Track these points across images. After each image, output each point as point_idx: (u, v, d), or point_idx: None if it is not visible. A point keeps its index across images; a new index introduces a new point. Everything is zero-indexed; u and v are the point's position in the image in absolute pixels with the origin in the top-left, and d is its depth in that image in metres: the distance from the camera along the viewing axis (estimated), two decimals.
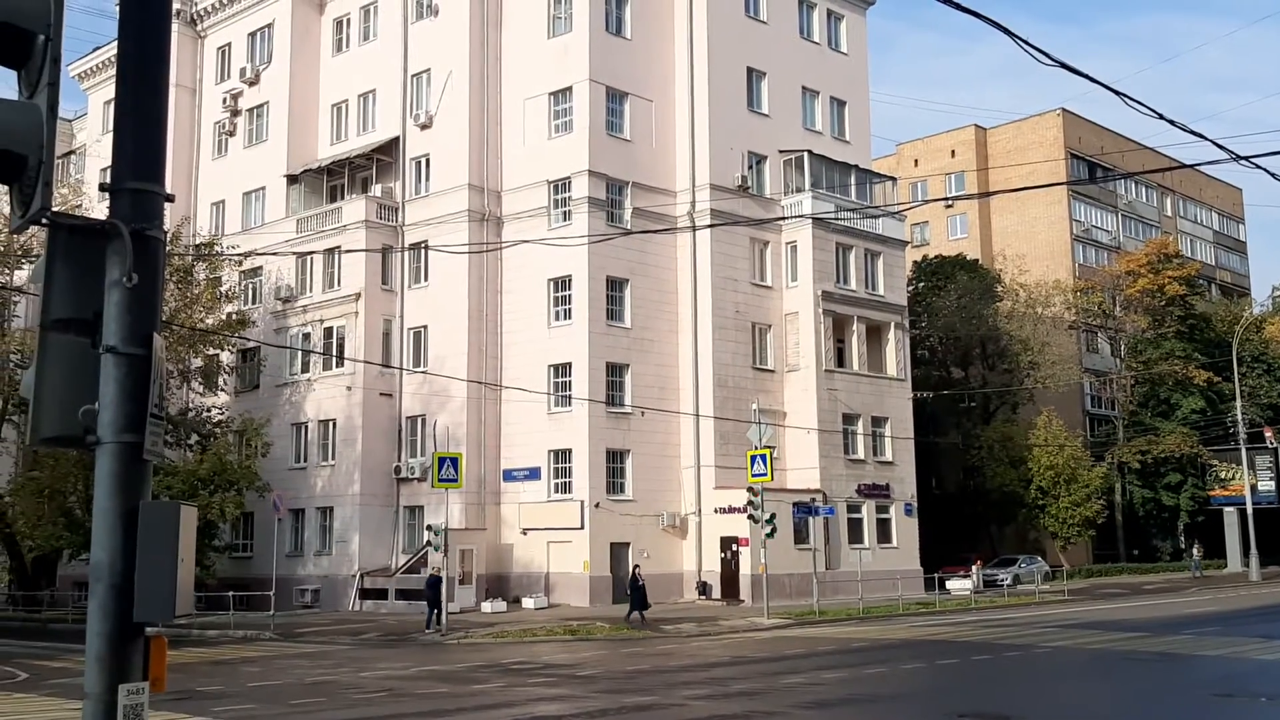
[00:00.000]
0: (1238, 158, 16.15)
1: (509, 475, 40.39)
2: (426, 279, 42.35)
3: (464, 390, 39.09)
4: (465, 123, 41.66)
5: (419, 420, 41.65)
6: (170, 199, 5.49)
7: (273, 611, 31.03)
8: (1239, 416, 53.37)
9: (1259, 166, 15.81)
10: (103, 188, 5.47)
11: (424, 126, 42.97)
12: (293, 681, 19.41)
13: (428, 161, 43.10)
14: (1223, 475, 58.64)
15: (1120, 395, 63.08)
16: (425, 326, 41.95)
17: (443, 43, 42.78)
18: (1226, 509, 58.09)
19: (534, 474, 39.56)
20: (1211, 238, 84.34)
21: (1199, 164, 26.41)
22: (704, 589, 39.18)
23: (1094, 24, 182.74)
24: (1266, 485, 57.11)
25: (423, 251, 41.75)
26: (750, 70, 43.58)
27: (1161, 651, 21.23)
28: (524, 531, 39.51)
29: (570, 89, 40.27)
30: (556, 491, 39.14)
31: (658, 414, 39.40)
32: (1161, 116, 14.79)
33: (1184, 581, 49.58)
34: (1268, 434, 56.26)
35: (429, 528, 34.94)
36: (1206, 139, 15.98)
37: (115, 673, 4.99)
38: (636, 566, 31.85)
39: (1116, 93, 14.32)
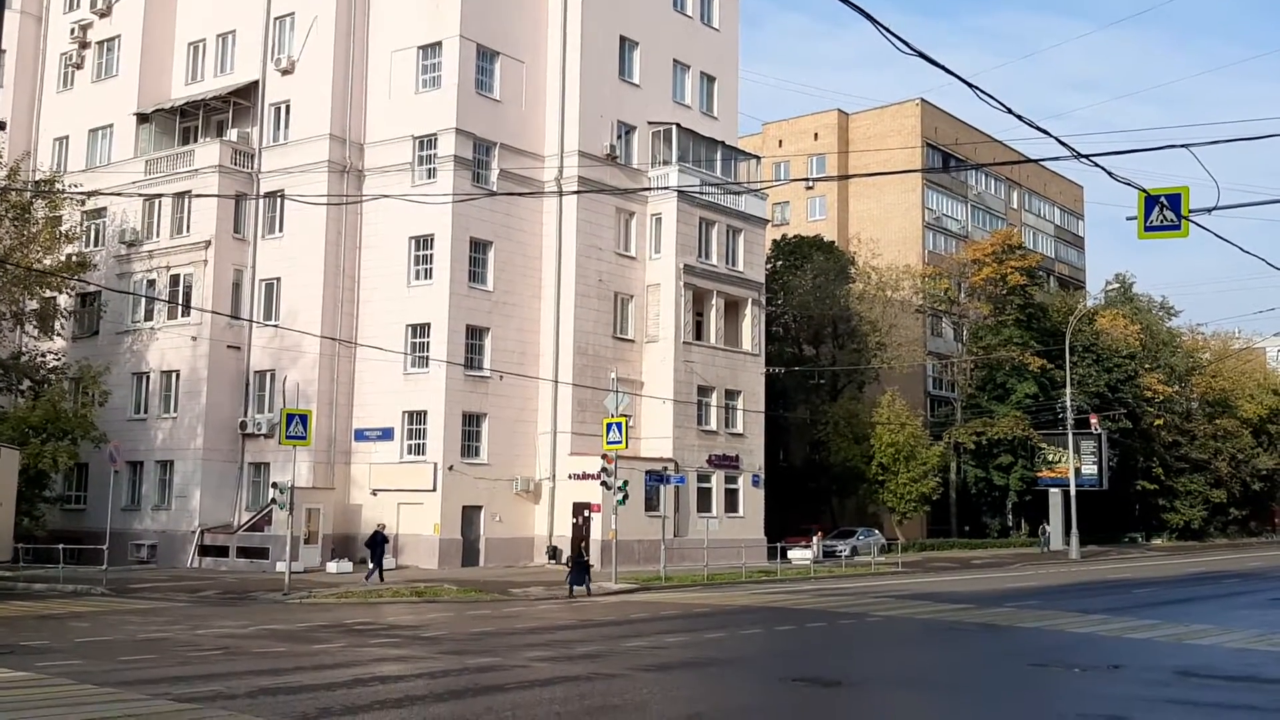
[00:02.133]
0: (1079, 155, 17.01)
1: (361, 435, 39.76)
2: (281, 229, 41.13)
3: (317, 346, 38.19)
4: (329, 71, 40.49)
5: (268, 375, 40.55)
6: (1, 126, 5.28)
7: (105, 566, 29.87)
8: (1068, 403, 56.36)
9: (1098, 165, 16.69)
10: None
11: (285, 72, 41.58)
12: (123, 638, 18.81)
13: (288, 108, 41.76)
14: (1050, 458, 61.89)
15: (960, 378, 65.87)
16: (278, 279, 40.78)
17: None
18: (1052, 490, 61.39)
19: (387, 434, 39.04)
20: (1053, 232, 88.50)
21: (1044, 159, 27.82)
22: (554, 553, 39.41)
23: (959, 17, 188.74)
24: (1089, 469, 60.53)
25: (279, 201, 40.53)
26: (623, 39, 43.56)
27: (984, 623, 22.41)
28: (374, 492, 38.99)
29: (440, 44, 39.54)
30: (410, 453, 38.72)
31: (517, 379, 39.31)
32: (1010, 111, 15.45)
33: (1009, 557, 52.27)
34: (1093, 420, 59.58)
35: (274, 485, 34.29)
36: (1052, 135, 16.76)
37: None
38: (582, 541, 31.34)
39: (970, 85, 14.91)
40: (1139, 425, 68.06)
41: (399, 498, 38.27)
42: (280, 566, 31.35)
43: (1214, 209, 16.50)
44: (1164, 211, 15.91)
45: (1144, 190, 15.93)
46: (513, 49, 40.93)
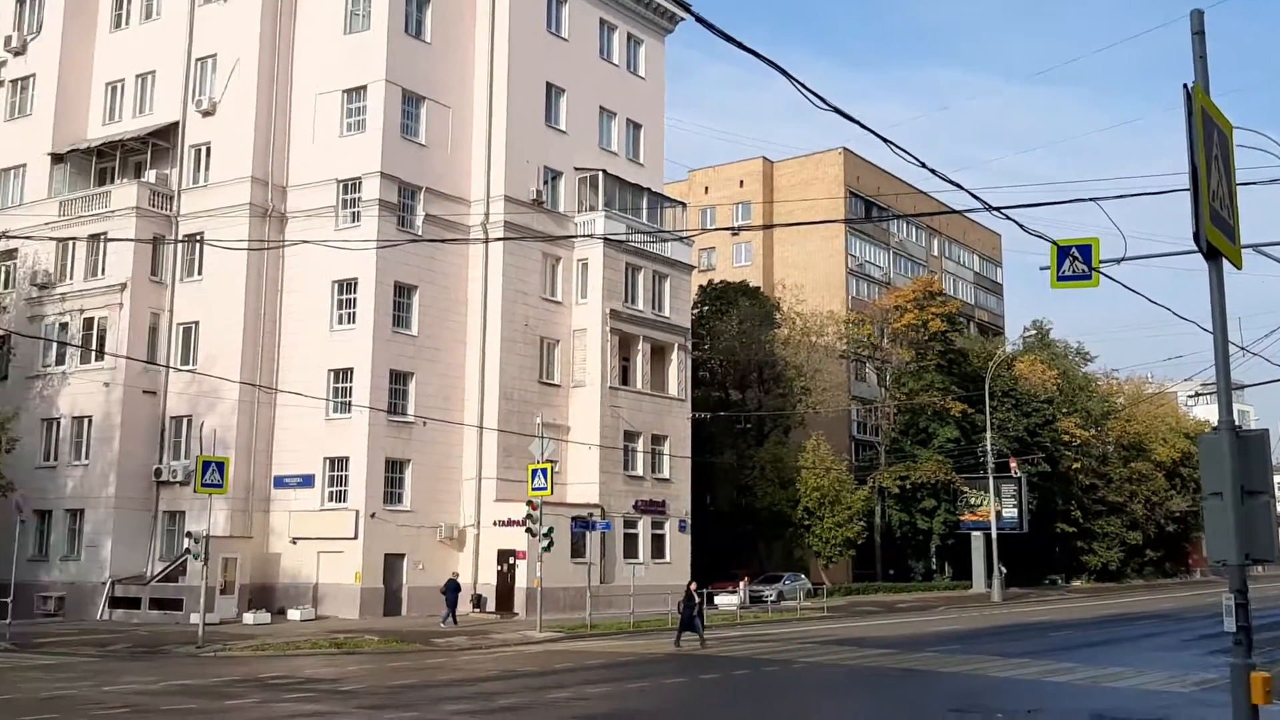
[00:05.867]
0: (991, 208, 17.41)
1: (280, 482, 38.93)
2: (200, 273, 40.39)
3: (235, 392, 37.43)
4: (251, 113, 40.04)
5: (185, 421, 39.61)
6: None
7: (9, 620, 28.70)
8: (989, 447, 57.29)
9: (1009, 218, 17.08)
10: None
11: (206, 113, 41.02)
12: (24, 696, 18.04)
13: (208, 150, 41.16)
14: (972, 501, 62.77)
15: (884, 423, 66.62)
16: (196, 323, 39.98)
17: (232, 27, 41.02)
18: (974, 533, 62.17)
19: (308, 481, 38.29)
20: (972, 278, 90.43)
21: (960, 210, 28.50)
22: (478, 602, 38.89)
23: (883, 70, 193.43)
24: (1010, 512, 61.46)
25: (198, 244, 39.83)
26: (550, 85, 43.81)
27: (907, 668, 22.54)
28: (294, 540, 38.14)
29: (365, 88, 39.38)
30: (331, 500, 38.01)
31: (440, 424, 38.90)
32: (924, 165, 15.74)
33: (933, 600, 52.75)
34: (1013, 464, 60.64)
35: (189, 535, 33.40)
36: (964, 189, 17.11)
37: None
38: (691, 583, 30.50)
39: (885, 140, 15.14)
40: (1057, 469, 69.37)
41: (319, 546, 37.48)
42: (195, 618, 30.41)
43: (1122, 259, 16.93)
44: (1075, 263, 16.32)
45: (1055, 242, 16.33)
46: (438, 94, 40.91)
